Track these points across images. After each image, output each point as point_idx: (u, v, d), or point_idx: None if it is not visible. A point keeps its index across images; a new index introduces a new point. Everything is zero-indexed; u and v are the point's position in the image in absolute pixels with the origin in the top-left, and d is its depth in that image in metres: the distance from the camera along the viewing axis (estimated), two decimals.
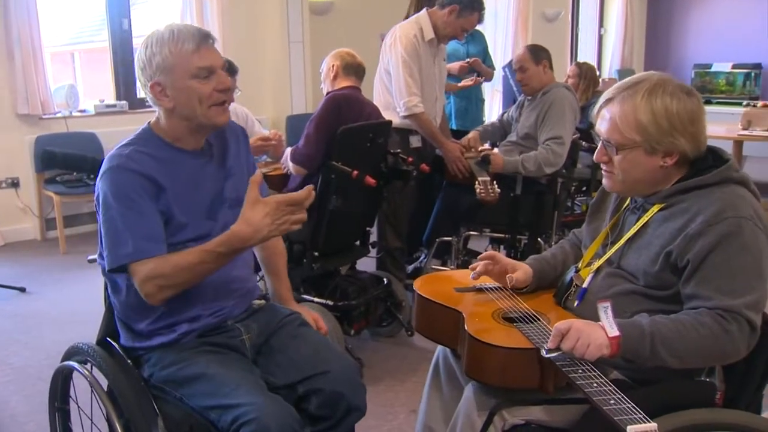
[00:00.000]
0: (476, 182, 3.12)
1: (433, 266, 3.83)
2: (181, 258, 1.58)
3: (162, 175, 1.64)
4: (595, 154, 1.60)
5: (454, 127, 4.51)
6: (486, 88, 5.01)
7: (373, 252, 3.41)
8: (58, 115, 5.13)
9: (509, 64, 4.86)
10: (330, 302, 2.95)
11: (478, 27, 4.51)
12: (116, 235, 1.59)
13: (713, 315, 1.39)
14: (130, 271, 1.59)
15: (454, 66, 4.45)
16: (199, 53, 1.64)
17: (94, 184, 5.19)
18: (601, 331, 1.39)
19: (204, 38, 1.65)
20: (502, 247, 3.85)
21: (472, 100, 4.70)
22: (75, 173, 4.91)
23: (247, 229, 1.53)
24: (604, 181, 1.63)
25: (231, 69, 3.48)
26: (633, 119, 1.50)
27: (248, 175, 1.85)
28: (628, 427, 1.07)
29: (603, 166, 1.60)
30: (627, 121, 1.50)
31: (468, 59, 4.49)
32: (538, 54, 3.58)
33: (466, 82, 4.46)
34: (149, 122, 1.75)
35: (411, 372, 2.98)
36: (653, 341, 1.39)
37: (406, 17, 3.79)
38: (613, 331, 1.37)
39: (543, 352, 1.40)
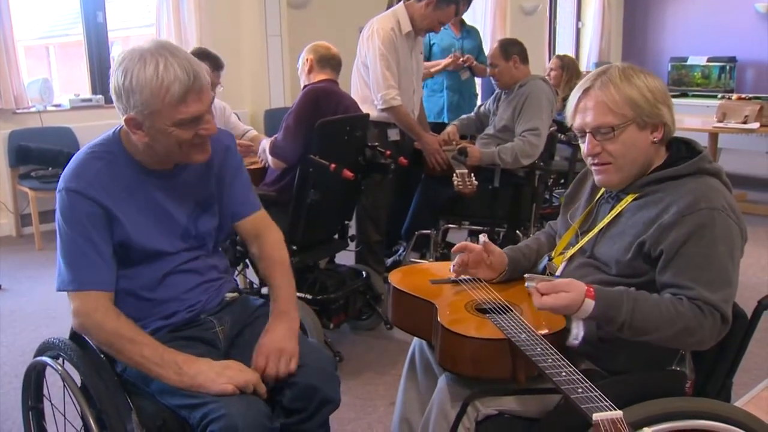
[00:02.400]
0: (454, 174, 3.14)
1: (412, 259, 3.84)
2: (129, 338, 1.53)
3: (123, 206, 1.57)
4: (585, 150, 1.58)
5: (446, 120, 4.53)
6: (478, 83, 5.06)
7: (352, 245, 3.41)
8: (32, 109, 5.07)
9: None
10: (309, 296, 2.95)
11: (470, 22, 4.52)
12: (65, 259, 1.56)
13: (692, 306, 1.41)
14: (69, 297, 1.56)
15: (450, 61, 4.47)
16: (186, 103, 1.49)
17: None
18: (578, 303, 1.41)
19: (193, 82, 1.48)
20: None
21: (464, 95, 4.72)
22: (50, 168, 4.86)
23: (211, 376, 1.49)
24: (598, 177, 1.60)
25: (217, 64, 3.46)
26: (621, 96, 1.52)
27: (238, 179, 1.77)
28: (594, 415, 1.08)
29: (594, 161, 1.57)
30: (616, 100, 1.52)
31: (462, 57, 4.51)
32: (507, 50, 3.60)
33: (447, 62, 4.47)
34: (120, 128, 1.62)
35: (390, 365, 2.99)
36: (634, 301, 1.41)
37: (389, 6, 3.79)
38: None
39: (526, 282, 1.44)
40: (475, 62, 4.57)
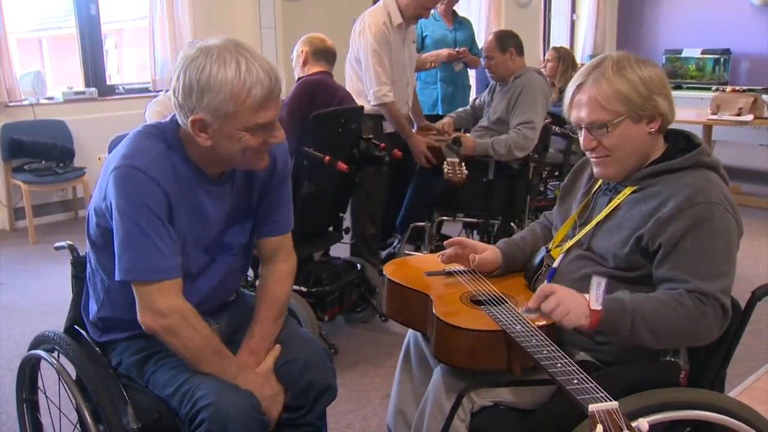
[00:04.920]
0: (444, 163, 3.15)
1: (407, 251, 3.83)
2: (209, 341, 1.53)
3: (176, 199, 1.47)
4: (582, 144, 1.58)
5: (440, 112, 4.52)
6: (471, 74, 5.04)
7: (346, 238, 3.40)
8: (25, 102, 5.03)
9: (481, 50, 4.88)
10: (304, 288, 2.95)
11: (465, 14, 4.49)
12: (125, 244, 1.43)
13: (691, 297, 1.41)
14: (135, 289, 1.47)
15: (443, 53, 4.46)
16: (265, 108, 1.41)
17: (64, 172, 5.05)
18: (585, 301, 1.39)
19: (274, 86, 1.42)
20: (475, 232, 3.88)
21: (458, 86, 4.71)
22: (43, 161, 4.84)
23: (264, 386, 1.57)
24: (597, 169, 1.60)
25: None
26: (613, 92, 1.51)
27: (280, 193, 1.68)
28: (590, 406, 1.08)
29: (592, 154, 1.58)
30: (607, 97, 1.51)
31: (457, 48, 4.50)
32: (503, 42, 3.60)
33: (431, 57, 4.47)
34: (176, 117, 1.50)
35: (385, 357, 2.99)
36: (634, 320, 1.39)
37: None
38: (597, 305, 1.37)
39: (521, 310, 1.44)
40: (468, 54, 4.56)
